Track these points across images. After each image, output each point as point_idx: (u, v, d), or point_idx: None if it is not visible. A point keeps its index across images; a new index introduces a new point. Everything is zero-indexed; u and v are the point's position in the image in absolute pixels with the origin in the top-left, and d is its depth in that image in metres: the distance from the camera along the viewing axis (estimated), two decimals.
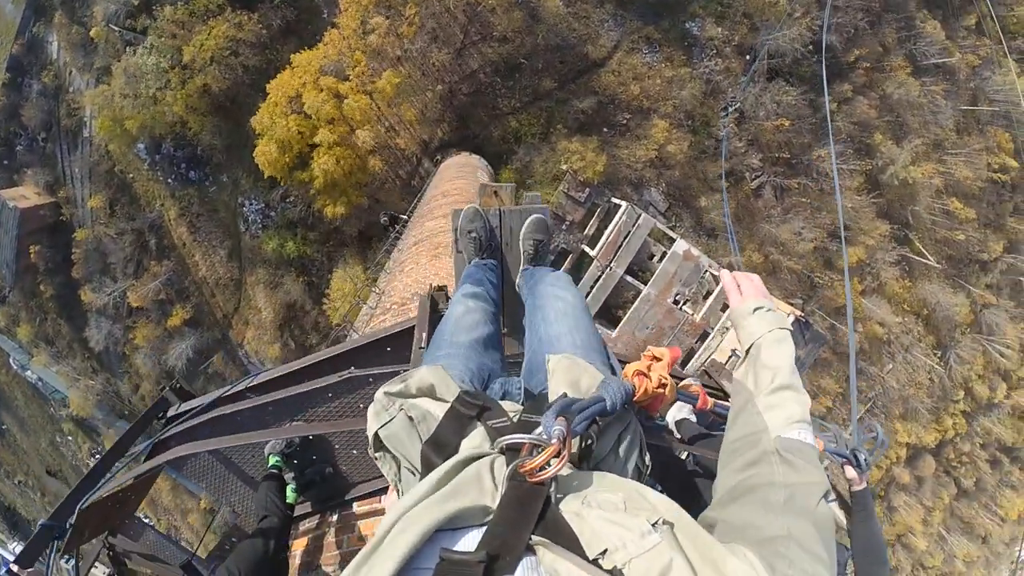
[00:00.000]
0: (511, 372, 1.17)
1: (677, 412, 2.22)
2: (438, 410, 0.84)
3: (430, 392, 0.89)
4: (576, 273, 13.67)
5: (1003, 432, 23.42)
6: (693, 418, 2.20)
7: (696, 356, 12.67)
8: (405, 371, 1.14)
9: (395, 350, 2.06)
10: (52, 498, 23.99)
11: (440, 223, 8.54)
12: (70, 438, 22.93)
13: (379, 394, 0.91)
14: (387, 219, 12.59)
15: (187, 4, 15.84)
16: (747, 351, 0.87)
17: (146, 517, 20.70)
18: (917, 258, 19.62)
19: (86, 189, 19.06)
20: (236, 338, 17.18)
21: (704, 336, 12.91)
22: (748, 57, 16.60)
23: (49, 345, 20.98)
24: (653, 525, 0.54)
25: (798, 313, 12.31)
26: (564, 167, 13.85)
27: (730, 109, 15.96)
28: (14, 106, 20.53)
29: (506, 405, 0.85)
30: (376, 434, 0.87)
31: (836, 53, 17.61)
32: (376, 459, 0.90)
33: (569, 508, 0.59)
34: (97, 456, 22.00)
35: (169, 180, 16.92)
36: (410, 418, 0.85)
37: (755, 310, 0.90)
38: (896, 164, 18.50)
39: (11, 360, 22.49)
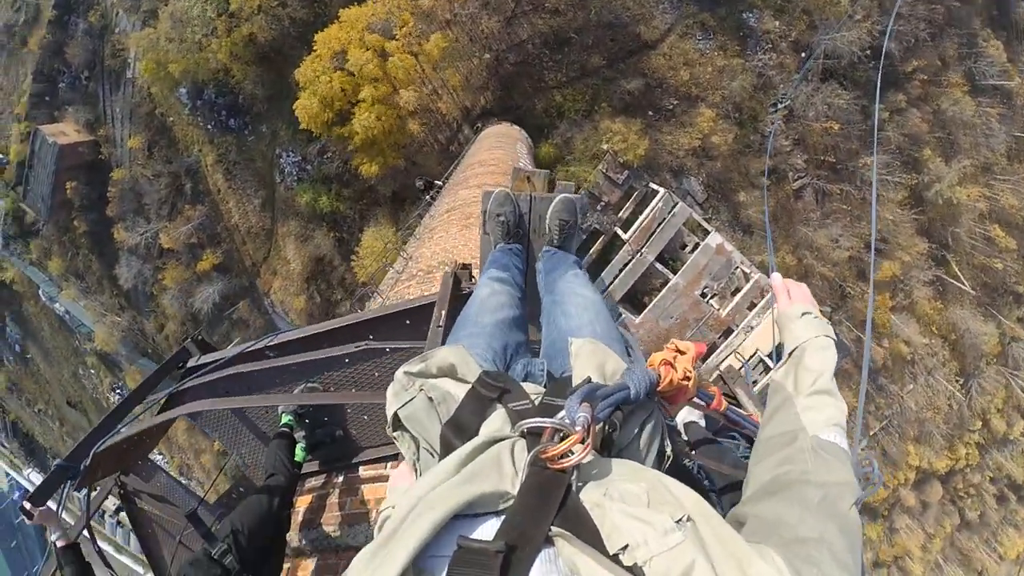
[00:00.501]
0: (534, 355, 1.15)
1: (687, 415, 2.21)
2: (459, 391, 0.83)
3: (451, 372, 0.88)
4: (607, 255, 13.55)
5: (1014, 469, 22.99)
6: (702, 422, 2.19)
7: (718, 352, 12.54)
8: (423, 348, 1.15)
9: (414, 324, 2.06)
10: (70, 428, 24.93)
11: (474, 192, 8.43)
12: (92, 371, 23.70)
13: (399, 373, 0.89)
14: (423, 184, 12.57)
15: None
16: (790, 353, 0.87)
17: (160, 454, 21.41)
18: (952, 281, 19.07)
19: (126, 129, 19.36)
20: (263, 287, 17.47)
21: (728, 332, 12.75)
22: (804, 55, 16.08)
23: (79, 280, 21.57)
24: (677, 522, 0.52)
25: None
26: (605, 147, 13.65)
27: (780, 105, 15.52)
28: (59, 44, 20.83)
29: (528, 387, 0.83)
30: (395, 414, 0.86)
31: (893, 61, 16.98)
32: (394, 438, 0.88)
33: (590, 498, 0.58)
34: (118, 391, 22.78)
35: (209, 126, 17.09)
36: (430, 399, 0.83)
37: (803, 314, 0.90)
38: (942, 182, 17.92)
39: (41, 292, 23.21)
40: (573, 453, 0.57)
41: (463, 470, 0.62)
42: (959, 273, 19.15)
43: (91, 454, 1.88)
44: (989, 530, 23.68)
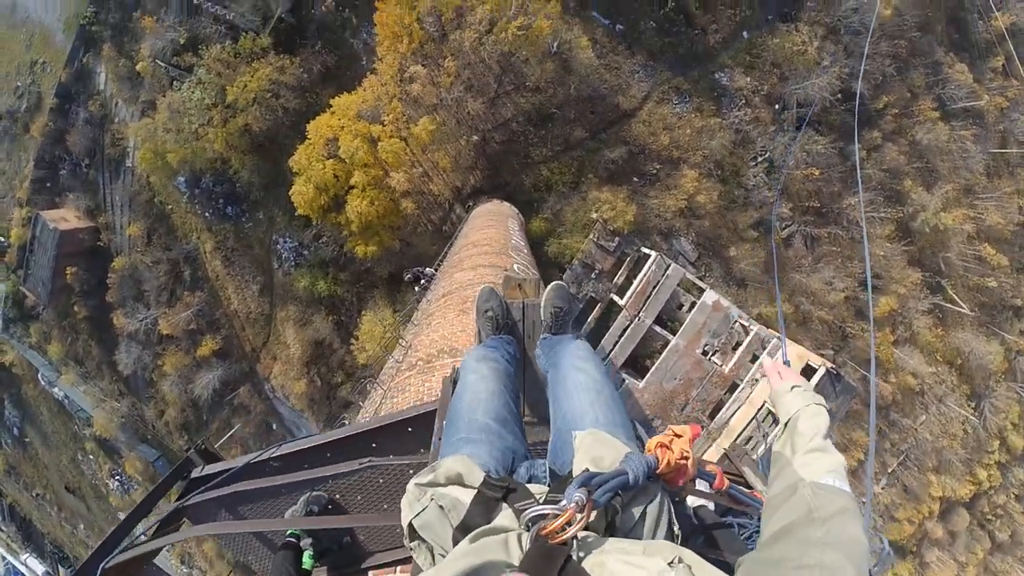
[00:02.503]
0: (535, 452, 1.20)
1: (693, 499, 2.25)
2: (466, 497, 0.89)
3: (458, 480, 0.94)
4: (605, 322, 13.62)
5: None
6: (711, 506, 2.21)
7: (727, 407, 12.42)
8: (426, 462, 1.15)
9: (416, 431, 2.13)
10: (68, 514, 24.19)
11: (468, 275, 8.57)
12: (91, 457, 23.23)
13: (410, 485, 0.96)
14: (411, 277, 12.73)
15: (233, 45, 16.59)
16: (784, 424, 0.95)
17: None
18: (950, 306, 19.16)
19: (125, 217, 19.75)
20: (263, 372, 17.42)
21: (733, 387, 12.68)
22: (777, 106, 16.71)
23: (78, 364, 21.47)
24: (669, 564, 0.57)
25: (829, 365, 12.02)
26: (594, 216, 13.95)
27: (786, 158, 15.86)
28: (60, 131, 21.52)
29: (533, 488, 0.89)
30: (411, 524, 0.92)
31: (864, 100, 17.62)
32: (411, 549, 0.94)
33: (591, 561, 0.64)
34: (116, 477, 22.24)
35: (207, 214, 17.46)
36: (440, 507, 0.89)
37: (792, 388, 1.02)
38: (927, 211, 18.27)
39: (40, 376, 23.04)
40: (571, 526, 0.64)
41: (472, 545, 0.68)
42: (955, 297, 19.26)
43: (100, 570, 1.89)
44: (1023, 548, 22.87)
